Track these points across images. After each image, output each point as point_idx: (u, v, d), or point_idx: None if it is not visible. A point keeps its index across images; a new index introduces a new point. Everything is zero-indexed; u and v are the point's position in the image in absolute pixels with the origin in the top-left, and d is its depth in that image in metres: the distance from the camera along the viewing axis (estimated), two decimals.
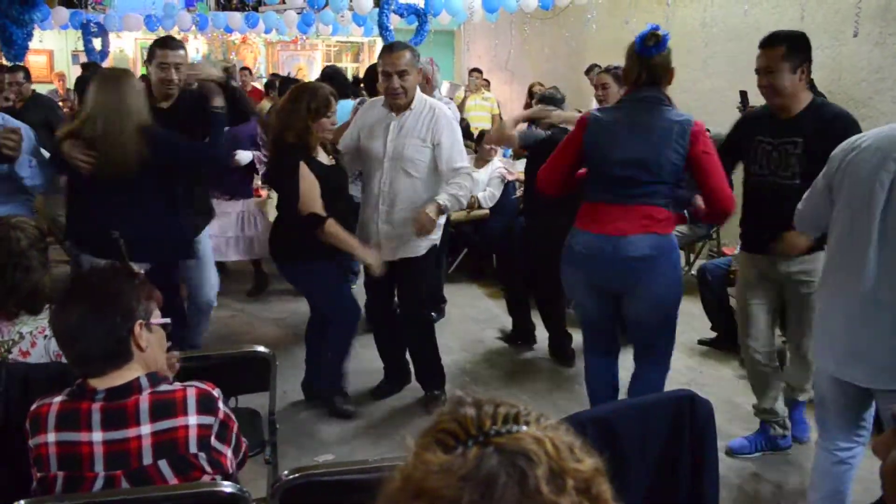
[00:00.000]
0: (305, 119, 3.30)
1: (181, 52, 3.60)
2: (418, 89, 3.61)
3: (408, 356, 3.99)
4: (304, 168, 3.30)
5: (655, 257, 2.83)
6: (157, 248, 3.31)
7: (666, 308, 2.97)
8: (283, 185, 3.41)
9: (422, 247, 3.66)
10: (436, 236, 3.72)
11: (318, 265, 3.50)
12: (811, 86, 5.16)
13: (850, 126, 2.84)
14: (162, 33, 11.50)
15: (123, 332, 1.64)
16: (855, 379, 2.30)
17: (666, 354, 3.13)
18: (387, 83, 3.49)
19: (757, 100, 5.75)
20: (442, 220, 3.69)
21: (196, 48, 13.52)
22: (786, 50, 2.99)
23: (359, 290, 4.81)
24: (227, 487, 1.60)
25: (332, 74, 5.26)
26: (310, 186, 3.32)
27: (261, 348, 2.53)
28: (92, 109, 3.16)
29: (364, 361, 4.22)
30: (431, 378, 3.94)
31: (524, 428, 0.80)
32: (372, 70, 4.49)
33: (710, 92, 6.58)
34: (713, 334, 4.65)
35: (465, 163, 3.64)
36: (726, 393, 4.02)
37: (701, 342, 4.62)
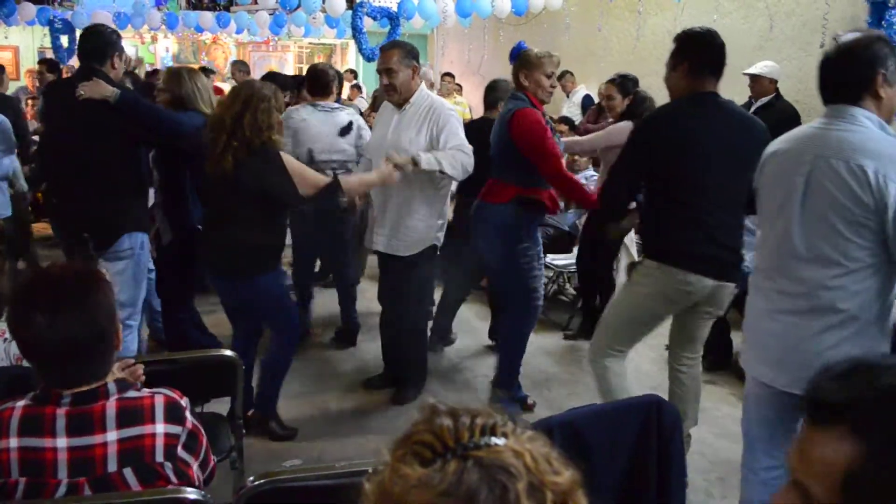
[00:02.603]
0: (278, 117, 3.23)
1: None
2: (423, 86, 3.69)
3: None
4: (285, 156, 3.17)
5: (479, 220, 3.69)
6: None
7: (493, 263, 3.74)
8: (274, 184, 3.10)
9: (408, 246, 3.66)
10: (428, 237, 3.68)
11: (272, 277, 3.30)
12: (776, 94, 5.29)
13: None
14: (131, 31, 11.37)
15: (109, 347, 1.59)
16: (776, 383, 2.29)
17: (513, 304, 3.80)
18: (380, 81, 3.71)
19: None
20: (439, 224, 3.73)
21: (166, 47, 13.37)
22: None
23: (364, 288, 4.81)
24: (191, 494, 1.57)
25: (274, 76, 5.22)
26: (300, 169, 3.22)
27: (227, 352, 2.50)
28: None
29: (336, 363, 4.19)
30: (406, 379, 3.99)
31: (502, 440, 0.80)
32: (313, 70, 4.52)
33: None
34: None
35: (463, 143, 3.55)
36: None
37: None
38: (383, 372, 4.15)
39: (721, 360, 4.43)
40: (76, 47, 3.86)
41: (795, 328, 2.23)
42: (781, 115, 5.18)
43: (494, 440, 0.80)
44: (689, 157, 2.83)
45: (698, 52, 2.89)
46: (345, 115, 4.35)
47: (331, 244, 4.57)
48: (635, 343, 3.22)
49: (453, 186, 3.99)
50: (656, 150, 2.86)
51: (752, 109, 5.32)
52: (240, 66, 8.61)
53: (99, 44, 3.50)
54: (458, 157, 3.49)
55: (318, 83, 4.33)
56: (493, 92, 4.47)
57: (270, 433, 3.53)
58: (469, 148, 3.53)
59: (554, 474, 0.79)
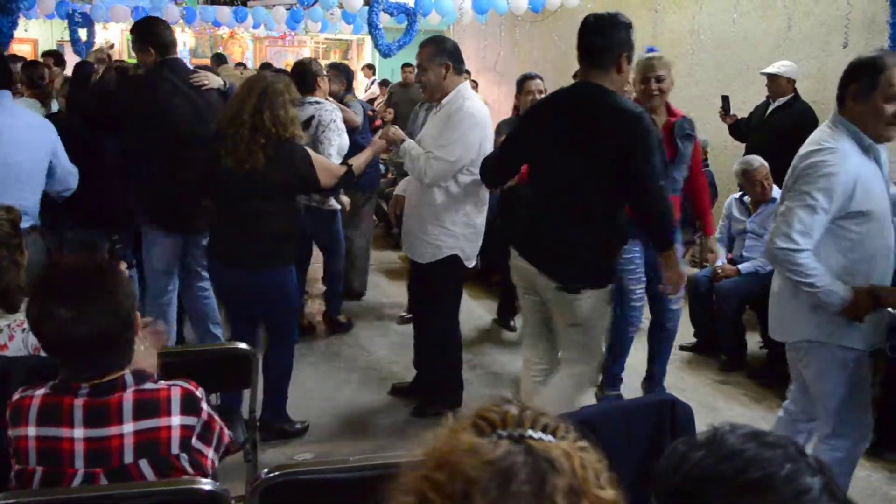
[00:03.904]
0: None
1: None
2: (463, 87, 3.47)
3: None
4: (308, 149, 3.26)
5: None
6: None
7: None
8: (304, 178, 3.18)
9: (426, 253, 3.52)
10: (445, 246, 3.48)
11: (290, 270, 3.33)
12: (795, 94, 5.24)
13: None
14: None
15: (129, 336, 1.62)
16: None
17: None
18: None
19: (743, 106, 5.79)
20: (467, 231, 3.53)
21: (183, 42, 13.42)
22: None
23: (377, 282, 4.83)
24: (206, 485, 1.59)
25: (267, 67, 5.28)
26: (322, 161, 3.35)
27: (242, 345, 2.51)
28: None
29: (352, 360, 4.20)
30: (429, 390, 3.80)
31: (558, 441, 0.84)
32: (298, 67, 4.55)
33: (697, 98, 6.62)
34: (694, 340, 4.70)
35: (442, 153, 3.32)
36: (706, 398, 4.05)
37: (682, 348, 4.64)
38: (413, 379, 3.98)
39: (735, 362, 4.42)
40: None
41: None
42: (800, 116, 5.14)
43: (552, 439, 0.84)
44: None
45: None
46: (311, 110, 4.29)
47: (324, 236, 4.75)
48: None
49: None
50: None
51: (770, 109, 5.29)
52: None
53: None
54: (420, 161, 3.32)
55: (303, 80, 4.29)
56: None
57: (283, 433, 3.51)
58: (449, 160, 3.30)
59: (598, 487, 0.82)
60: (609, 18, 2.77)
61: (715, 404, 3.97)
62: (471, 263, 3.62)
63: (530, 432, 0.83)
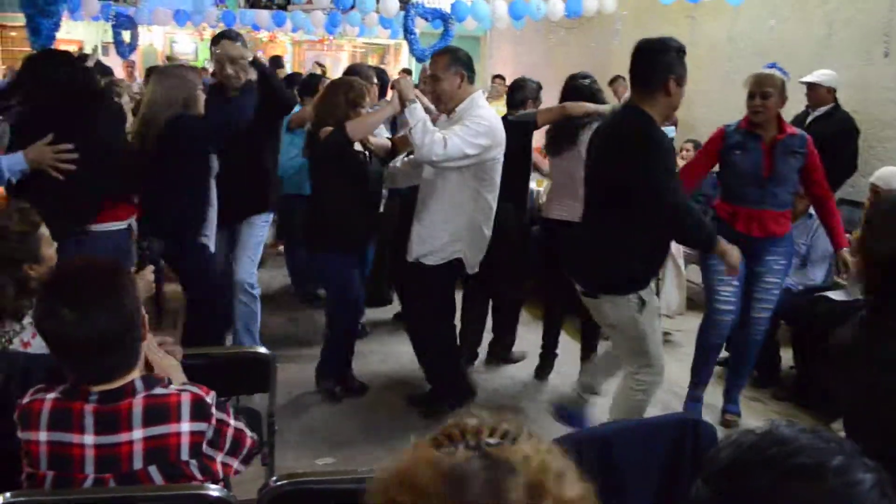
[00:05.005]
0: (346, 109, 3.59)
1: (238, 44, 3.83)
2: (476, 96, 3.49)
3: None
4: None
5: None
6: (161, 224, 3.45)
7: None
8: (331, 168, 3.65)
9: (427, 255, 3.54)
10: (454, 249, 3.53)
11: (337, 256, 3.73)
12: (835, 104, 5.12)
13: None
14: (190, 28, 11.61)
15: (138, 337, 1.62)
16: None
17: None
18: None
19: (782, 115, 5.66)
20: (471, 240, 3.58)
21: None
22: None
23: None
24: (214, 491, 1.59)
25: (358, 71, 5.28)
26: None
27: (261, 349, 2.53)
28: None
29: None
30: (433, 391, 3.87)
31: (519, 446, 0.84)
32: (311, 75, 4.80)
33: (735, 106, 6.50)
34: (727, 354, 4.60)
35: (463, 132, 3.30)
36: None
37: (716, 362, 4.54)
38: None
39: (767, 378, 4.32)
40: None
41: None
42: (840, 126, 5.03)
43: (509, 444, 0.84)
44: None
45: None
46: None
47: None
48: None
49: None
50: None
51: (810, 119, 5.16)
52: None
53: None
54: (437, 134, 3.22)
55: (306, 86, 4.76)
56: (520, 91, 4.40)
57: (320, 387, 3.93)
58: (462, 146, 3.27)
59: (558, 485, 0.81)
60: (658, 43, 2.89)
61: (744, 421, 3.88)
62: (473, 270, 3.65)
63: (489, 440, 0.83)
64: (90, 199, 3.19)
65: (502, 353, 4.57)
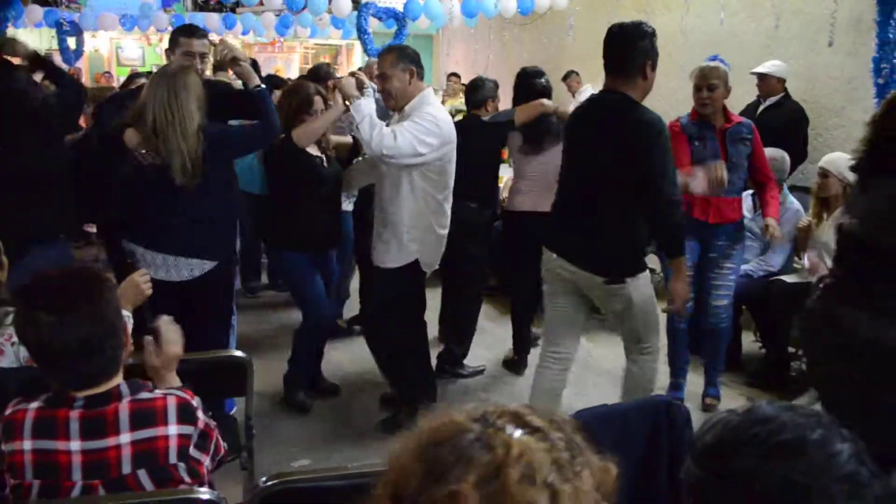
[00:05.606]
0: (291, 116, 3.62)
1: (205, 41, 3.51)
2: (427, 93, 3.44)
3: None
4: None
5: None
6: (218, 245, 3.31)
7: None
8: (284, 172, 3.73)
9: (385, 258, 3.53)
10: (412, 250, 3.49)
11: (292, 254, 3.74)
12: (785, 94, 5.27)
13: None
14: (137, 33, 11.40)
15: (119, 344, 1.61)
16: None
17: None
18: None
19: (733, 106, 5.79)
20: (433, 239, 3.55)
21: None
22: None
23: None
24: (204, 494, 1.58)
25: (316, 72, 5.23)
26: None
27: (237, 353, 2.51)
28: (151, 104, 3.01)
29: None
30: (405, 395, 3.76)
31: (519, 431, 0.85)
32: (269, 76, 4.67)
33: (687, 98, 6.64)
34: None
35: (412, 128, 3.26)
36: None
37: None
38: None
39: (731, 362, 4.41)
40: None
41: None
42: (790, 115, 5.18)
43: (511, 427, 0.85)
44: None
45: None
46: None
47: None
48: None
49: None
50: None
51: (761, 109, 5.31)
52: None
53: None
54: (384, 129, 3.19)
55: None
56: (479, 91, 4.32)
57: (287, 398, 3.93)
58: (414, 142, 3.23)
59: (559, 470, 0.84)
60: (633, 28, 2.91)
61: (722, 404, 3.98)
62: (430, 270, 3.63)
63: (493, 420, 0.87)
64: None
65: (452, 368, 4.37)
